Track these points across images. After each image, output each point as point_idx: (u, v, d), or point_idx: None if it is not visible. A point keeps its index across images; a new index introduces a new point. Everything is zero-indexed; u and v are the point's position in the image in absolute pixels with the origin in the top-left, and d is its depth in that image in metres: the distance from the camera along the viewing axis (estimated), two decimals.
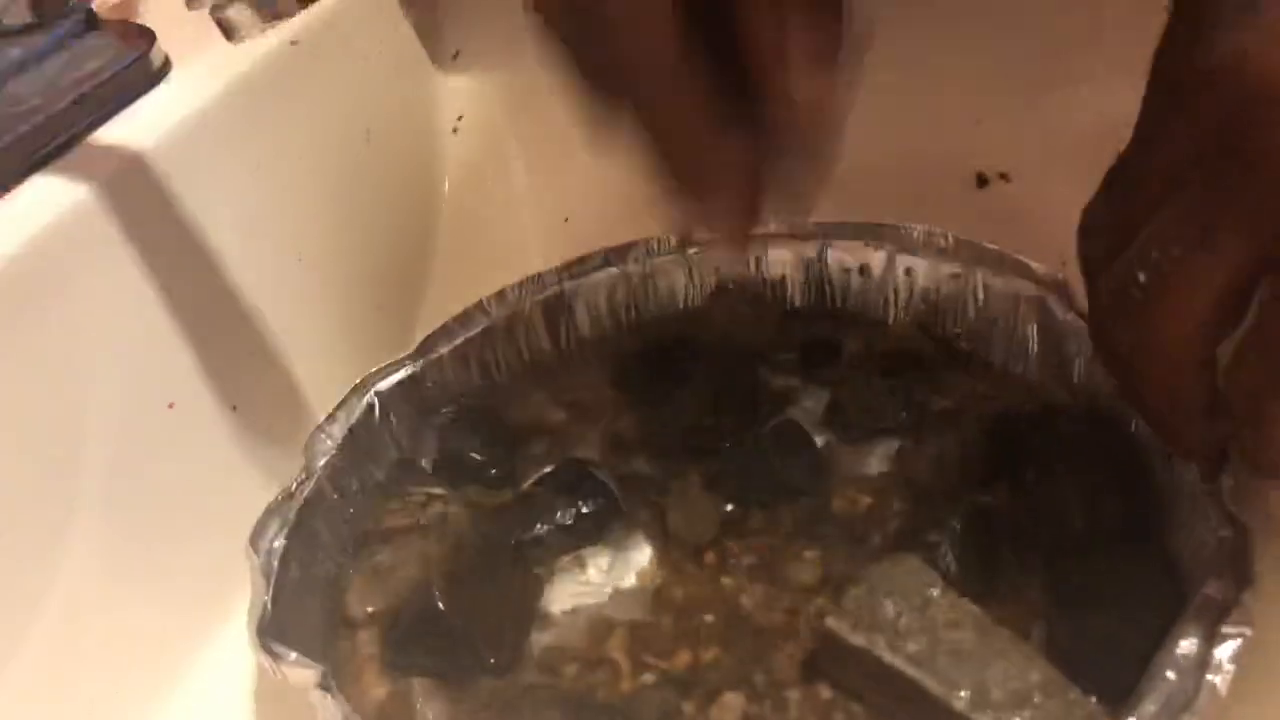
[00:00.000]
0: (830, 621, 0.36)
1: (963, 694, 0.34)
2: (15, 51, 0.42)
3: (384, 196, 0.54)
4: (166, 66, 0.44)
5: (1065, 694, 0.34)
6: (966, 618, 0.36)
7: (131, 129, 0.41)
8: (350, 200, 0.52)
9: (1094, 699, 0.34)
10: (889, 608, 0.36)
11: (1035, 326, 0.45)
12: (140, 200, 0.41)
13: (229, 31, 0.39)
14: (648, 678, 0.38)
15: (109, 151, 0.41)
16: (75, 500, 0.38)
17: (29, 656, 0.36)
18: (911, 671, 0.35)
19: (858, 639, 0.35)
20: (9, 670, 0.36)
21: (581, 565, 0.43)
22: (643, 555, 0.43)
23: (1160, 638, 0.34)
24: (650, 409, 0.47)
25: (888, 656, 0.35)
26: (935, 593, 0.36)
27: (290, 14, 0.40)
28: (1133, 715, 0.31)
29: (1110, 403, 0.42)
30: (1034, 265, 0.46)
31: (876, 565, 0.37)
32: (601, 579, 0.42)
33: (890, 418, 0.45)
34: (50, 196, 0.38)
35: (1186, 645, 0.32)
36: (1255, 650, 0.32)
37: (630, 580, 0.42)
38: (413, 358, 0.47)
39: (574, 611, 0.41)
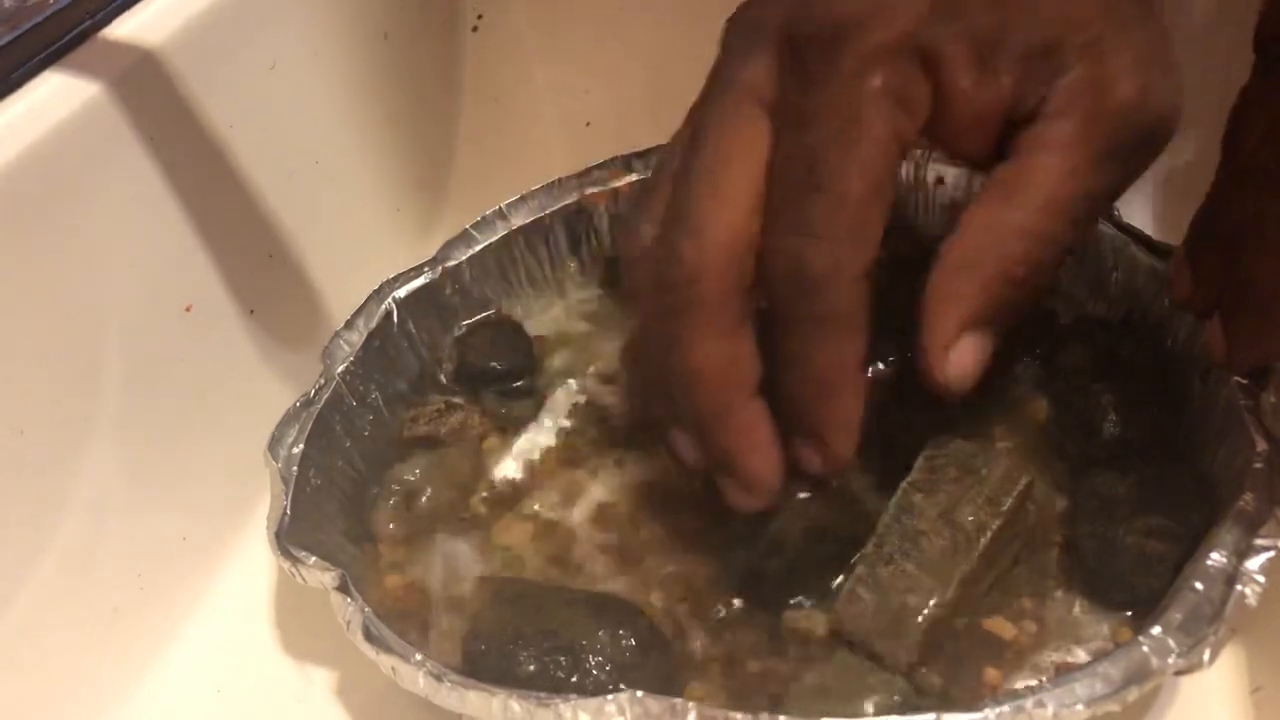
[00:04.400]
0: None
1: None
2: None
3: (402, 97, 0.53)
4: None
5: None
6: (965, 540, 0.35)
7: (144, 24, 0.40)
8: (368, 101, 0.51)
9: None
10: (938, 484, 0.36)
11: None
12: (154, 98, 0.40)
13: None
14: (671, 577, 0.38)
15: (122, 47, 0.40)
16: (94, 404, 0.38)
17: (51, 561, 0.37)
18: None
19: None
20: (32, 575, 0.36)
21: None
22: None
23: (1190, 551, 0.33)
24: None
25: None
26: (970, 509, 0.36)
27: None
28: (1158, 624, 0.31)
29: (1146, 317, 0.41)
30: None
31: (1001, 455, 0.37)
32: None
33: None
34: (62, 93, 0.37)
35: (1217, 557, 0.32)
36: None
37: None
38: (431, 264, 0.46)
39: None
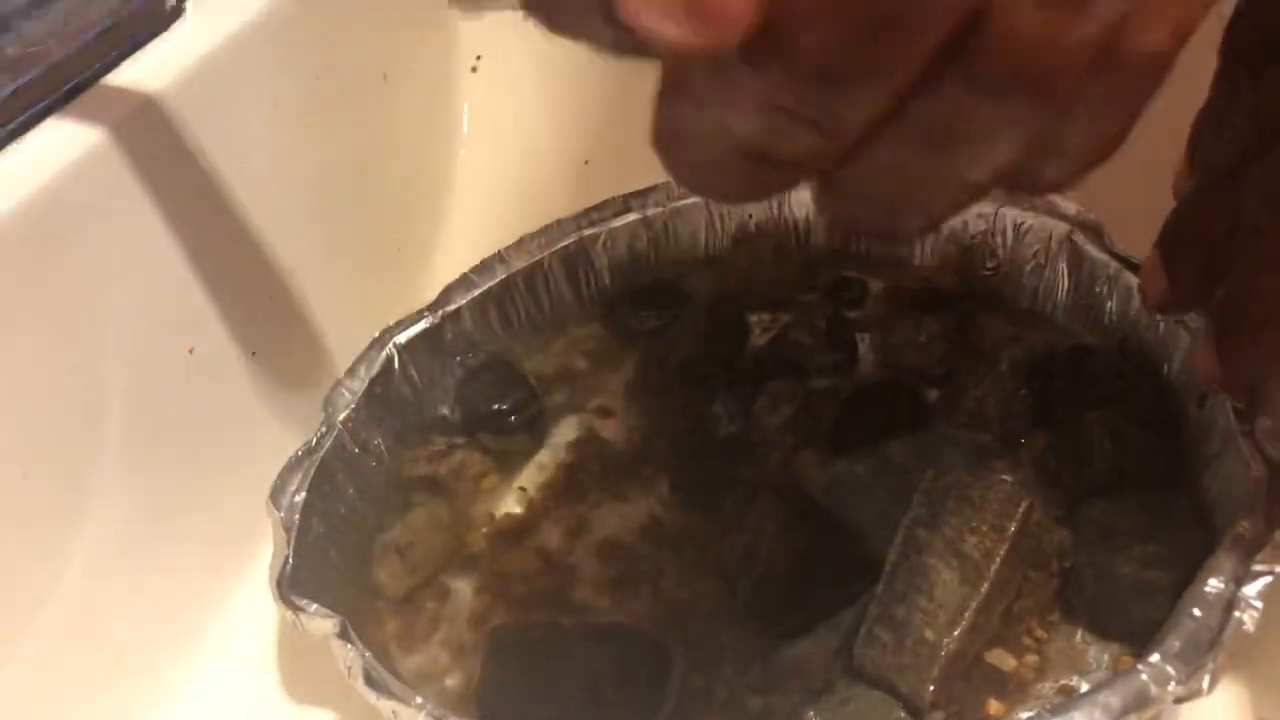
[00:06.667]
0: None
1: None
2: None
3: (402, 138, 0.54)
4: (180, 7, 0.44)
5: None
6: (974, 569, 0.35)
7: (146, 71, 0.41)
8: (368, 142, 0.51)
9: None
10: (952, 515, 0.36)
11: (1065, 266, 0.44)
12: (156, 143, 0.40)
13: None
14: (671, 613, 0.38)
15: (123, 94, 0.40)
16: (97, 446, 0.38)
17: (54, 607, 0.37)
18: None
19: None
20: (35, 621, 0.36)
21: None
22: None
23: (1188, 577, 0.33)
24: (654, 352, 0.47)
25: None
26: (974, 538, 0.36)
27: None
28: (1157, 652, 0.31)
29: (1142, 344, 0.42)
30: (1064, 203, 0.45)
31: (998, 482, 0.38)
32: None
33: (935, 362, 0.45)
34: (65, 140, 0.38)
35: (1215, 583, 0.32)
36: None
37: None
38: (431, 309, 0.46)
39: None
